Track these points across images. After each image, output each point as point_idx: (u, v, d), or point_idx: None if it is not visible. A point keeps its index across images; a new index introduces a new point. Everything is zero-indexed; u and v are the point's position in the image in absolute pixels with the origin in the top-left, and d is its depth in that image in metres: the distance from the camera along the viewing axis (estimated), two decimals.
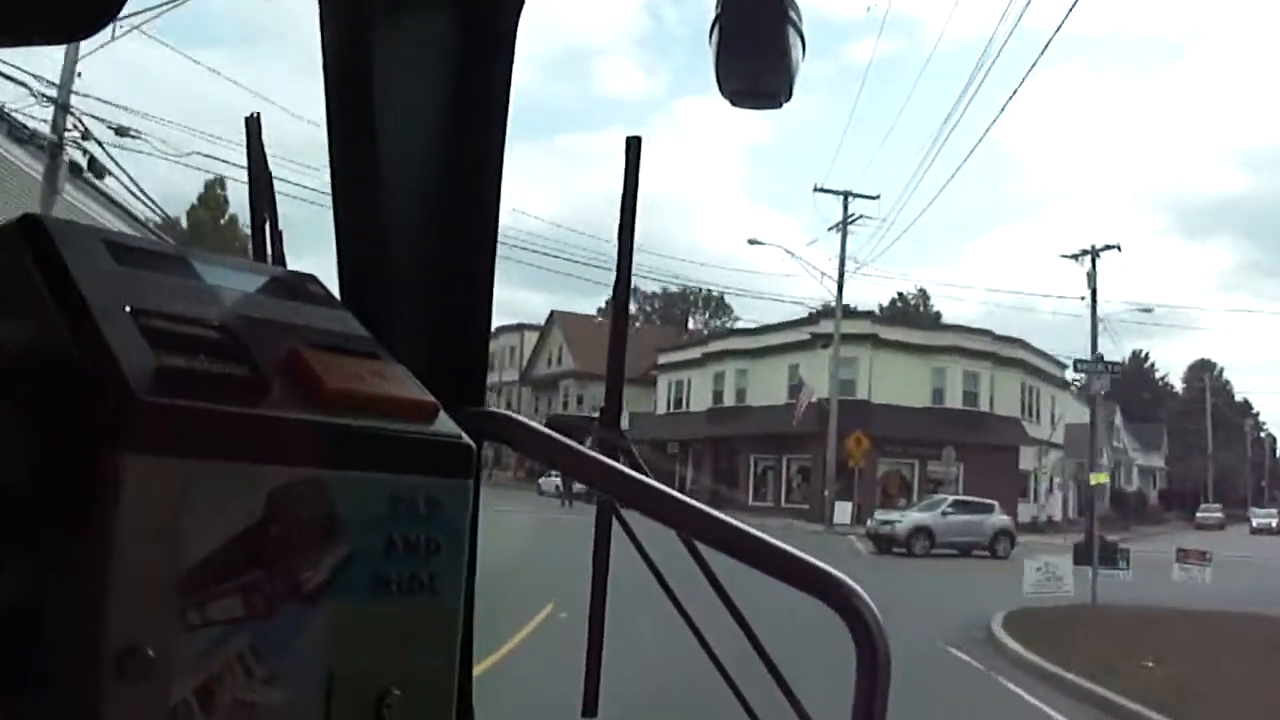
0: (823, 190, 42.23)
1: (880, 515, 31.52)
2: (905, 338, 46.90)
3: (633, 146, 1.22)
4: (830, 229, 42.57)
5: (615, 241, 1.30)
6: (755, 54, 1.21)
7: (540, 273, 73.58)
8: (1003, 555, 30.46)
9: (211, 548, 0.75)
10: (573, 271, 78.11)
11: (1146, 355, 71.76)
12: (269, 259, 1.33)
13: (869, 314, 46.06)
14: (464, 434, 0.91)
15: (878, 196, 41.78)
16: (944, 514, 30.71)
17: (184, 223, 56.72)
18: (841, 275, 41.83)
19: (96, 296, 0.80)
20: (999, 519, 31.58)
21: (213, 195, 59.63)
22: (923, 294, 75.50)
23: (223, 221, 59.35)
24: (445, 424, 0.91)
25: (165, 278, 0.90)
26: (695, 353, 55.52)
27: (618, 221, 1.23)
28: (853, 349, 43.85)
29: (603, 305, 75.52)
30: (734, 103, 1.23)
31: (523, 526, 25.54)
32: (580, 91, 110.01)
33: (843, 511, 40.73)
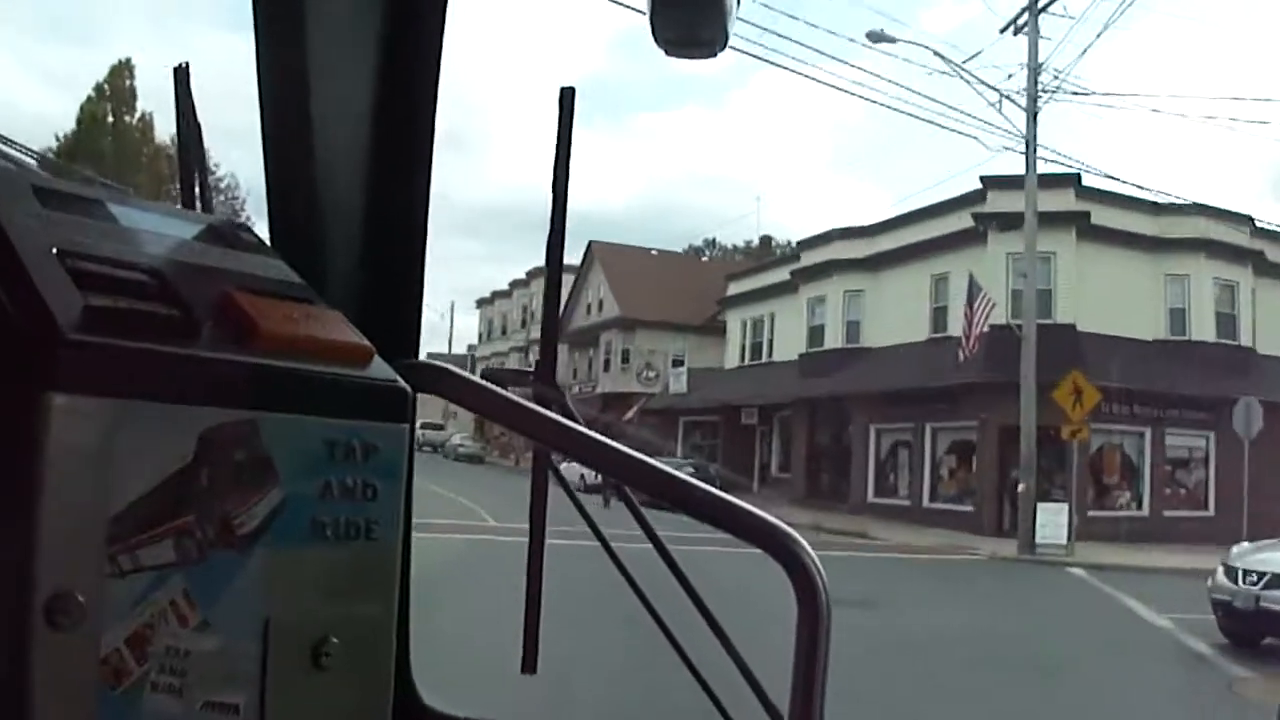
0: None
1: (1256, 553, 12.49)
2: (1124, 223, 28.10)
3: (566, 98, 1.23)
4: (1004, 29, 24.06)
5: (550, 197, 1.29)
6: (690, 3, 1.18)
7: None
8: None
9: (142, 490, 0.74)
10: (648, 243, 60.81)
11: None
12: (198, 208, 1.29)
13: (1071, 179, 27.26)
14: (399, 378, 0.92)
15: None
16: None
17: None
18: (1034, 92, 23.24)
19: (23, 239, 0.79)
20: None
21: (118, 85, 43.08)
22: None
23: (131, 120, 42.73)
24: (381, 369, 0.91)
25: (93, 222, 0.89)
26: (781, 273, 37.55)
27: (552, 170, 1.23)
28: (1045, 239, 25.38)
29: (685, 248, 57.57)
30: (669, 52, 1.22)
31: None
32: (652, 70, 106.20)
33: (1051, 520, 22.45)
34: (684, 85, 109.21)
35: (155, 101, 41.15)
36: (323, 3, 1.21)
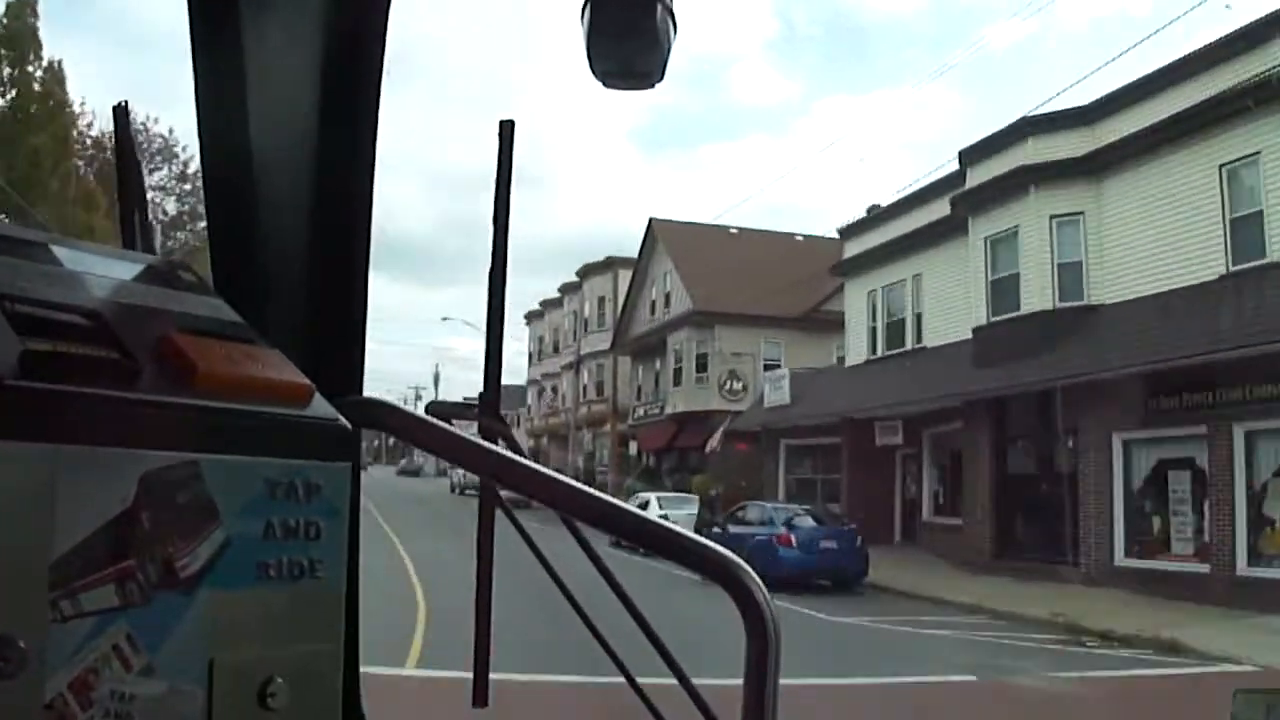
0: None
1: None
2: None
3: (505, 130, 1.27)
4: None
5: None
6: (627, 35, 1.23)
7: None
8: None
9: (83, 535, 0.76)
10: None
11: None
12: (139, 248, 1.31)
13: None
14: (341, 416, 0.94)
15: None
16: None
17: None
18: None
19: None
20: None
21: (17, 28, 33.31)
22: None
23: (35, 70, 33.09)
24: (321, 407, 0.94)
25: (30, 264, 0.92)
26: (934, 208, 25.12)
27: (492, 204, 1.28)
28: None
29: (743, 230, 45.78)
30: (606, 84, 1.26)
31: None
32: (719, 101, 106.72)
33: None
34: (749, 115, 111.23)
35: None
36: (261, 42, 1.25)
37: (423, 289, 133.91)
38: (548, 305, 61.45)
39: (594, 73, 1.23)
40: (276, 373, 0.92)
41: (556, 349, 58.85)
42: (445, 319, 77.45)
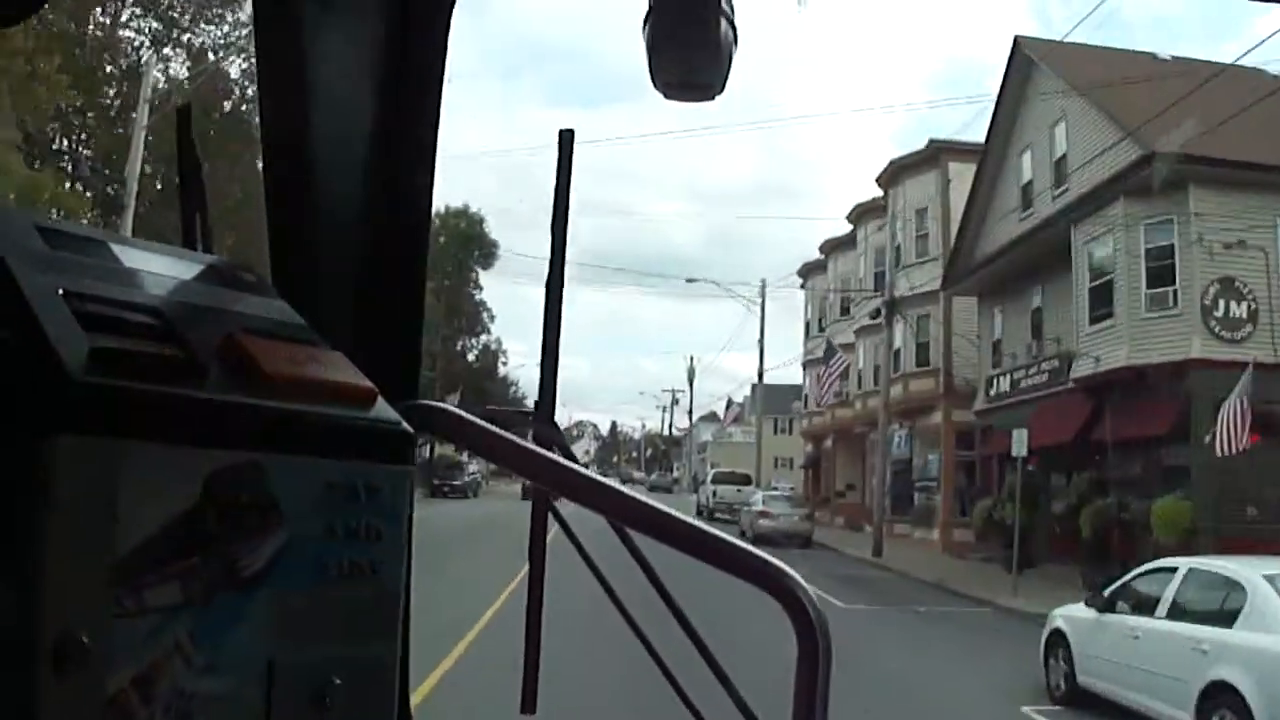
0: None
1: None
2: None
3: (565, 139, 1.29)
4: None
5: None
6: (687, 46, 1.24)
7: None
8: None
9: (148, 532, 0.78)
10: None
11: None
12: (199, 249, 1.33)
13: None
14: (403, 420, 0.97)
15: None
16: None
17: None
18: None
19: (29, 280, 0.84)
20: None
21: None
22: None
23: None
24: (384, 410, 0.96)
25: (98, 262, 0.94)
26: None
27: (551, 211, 1.30)
28: None
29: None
30: (667, 95, 1.28)
31: None
32: (978, 105, 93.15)
33: None
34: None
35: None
36: (323, 47, 1.30)
37: (680, 300, 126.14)
38: (832, 249, 44.08)
39: (655, 85, 1.24)
40: (340, 375, 0.92)
41: (845, 310, 41.53)
42: (690, 280, 63.84)
